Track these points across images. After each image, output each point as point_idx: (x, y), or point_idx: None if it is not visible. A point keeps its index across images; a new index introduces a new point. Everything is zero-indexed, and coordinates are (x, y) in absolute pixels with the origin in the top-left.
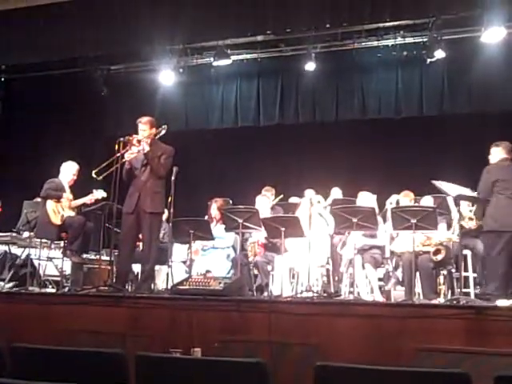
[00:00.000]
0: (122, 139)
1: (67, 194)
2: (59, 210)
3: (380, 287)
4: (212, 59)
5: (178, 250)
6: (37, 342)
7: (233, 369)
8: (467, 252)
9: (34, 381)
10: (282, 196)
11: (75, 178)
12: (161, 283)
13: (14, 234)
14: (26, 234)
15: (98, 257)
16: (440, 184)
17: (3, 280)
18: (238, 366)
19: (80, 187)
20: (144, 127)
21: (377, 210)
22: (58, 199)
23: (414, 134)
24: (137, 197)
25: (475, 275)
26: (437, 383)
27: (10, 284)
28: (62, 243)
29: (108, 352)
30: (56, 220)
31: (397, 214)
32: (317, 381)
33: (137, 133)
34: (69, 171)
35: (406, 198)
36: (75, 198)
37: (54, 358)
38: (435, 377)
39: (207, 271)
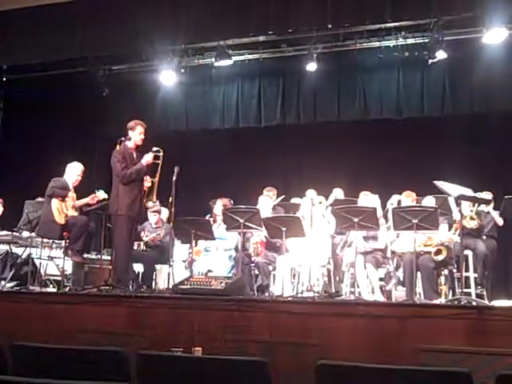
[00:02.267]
0: (122, 139)
1: (71, 194)
2: (63, 210)
3: (381, 287)
4: (213, 60)
5: (179, 250)
6: (38, 341)
7: (234, 367)
8: (468, 252)
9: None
10: (283, 196)
11: (80, 178)
12: (162, 283)
13: (15, 234)
14: (25, 234)
15: (98, 256)
16: (441, 184)
17: (4, 279)
18: (239, 364)
19: (81, 187)
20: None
21: (380, 211)
22: (64, 198)
23: (415, 135)
24: (139, 203)
25: (476, 275)
26: (438, 382)
27: (12, 283)
28: (63, 243)
29: (109, 350)
30: (60, 219)
31: (398, 214)
32: (318, 380)
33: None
34: (74, 172)
35: (407, 199)
36: (77, 198)
37: (54, 357)
38: (437, 375)
39: (208, 271)
